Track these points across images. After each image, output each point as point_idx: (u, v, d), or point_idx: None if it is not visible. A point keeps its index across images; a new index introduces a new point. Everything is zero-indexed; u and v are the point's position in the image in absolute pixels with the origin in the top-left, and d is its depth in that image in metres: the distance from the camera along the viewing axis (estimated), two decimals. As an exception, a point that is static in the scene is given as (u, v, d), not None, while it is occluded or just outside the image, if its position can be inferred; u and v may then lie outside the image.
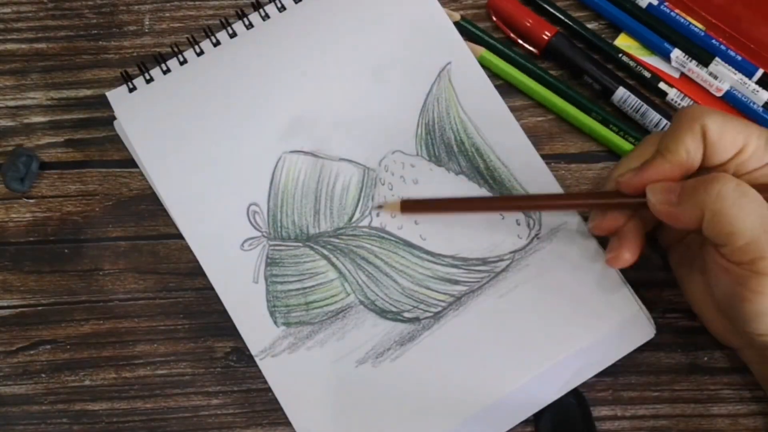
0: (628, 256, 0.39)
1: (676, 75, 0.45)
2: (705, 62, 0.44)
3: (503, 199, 0.43)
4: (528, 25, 0.45)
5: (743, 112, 0.44)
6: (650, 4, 0.45)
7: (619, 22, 0.45)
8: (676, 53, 0.44)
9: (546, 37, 0.45)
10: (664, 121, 0.44)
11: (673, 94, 0.44)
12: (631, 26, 0.45)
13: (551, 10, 0.46)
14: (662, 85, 0.44)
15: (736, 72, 0.44)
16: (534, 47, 0.45)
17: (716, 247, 0.35)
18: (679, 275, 0.41)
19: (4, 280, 0.44)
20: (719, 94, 0.44)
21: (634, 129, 0.44)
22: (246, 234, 0.43)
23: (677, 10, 0.45)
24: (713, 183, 0.34)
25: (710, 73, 0.44)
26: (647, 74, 0.44)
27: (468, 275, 0.43)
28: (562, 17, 0.45)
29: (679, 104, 0.44)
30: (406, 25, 0.45)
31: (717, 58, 0.44)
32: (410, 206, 0.42)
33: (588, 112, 0.44)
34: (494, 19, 0.46)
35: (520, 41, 0.45)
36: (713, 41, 0.44)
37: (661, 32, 0.45)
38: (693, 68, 0.44)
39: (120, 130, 0.44)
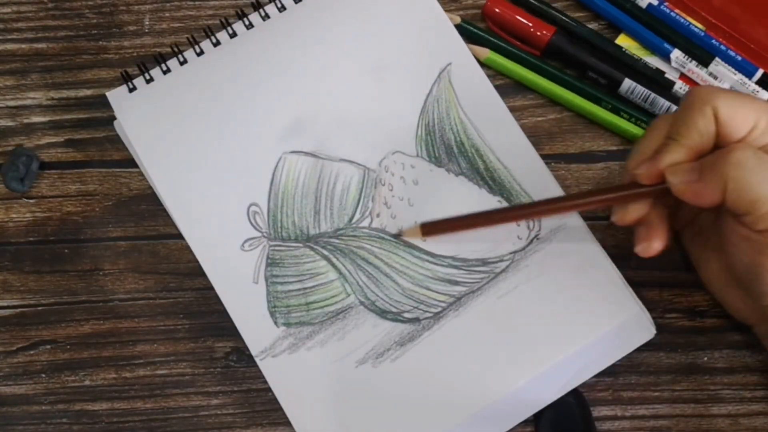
0: (657, 244, 0.38)
1: (676, 75, 0.45)
2: (705, 62, 0.44)
3: (524, 207, 0.42)
4: (526, 26, 0.45)
5: (743, 112, 0.44)
6: (650, 4, 0.45)
7: (619, 22, 0.45)
8: (676, 53, 0.44)
9: (546, 37, 0.45)
10: (675, 108, 0.43)
11: (678, 85, 0.44)
12: (631, 26, 0.45)
13: (550, 11, 0.45)
14: (668, 76, 0.44)
15: (736, 72, 0.44)
16: (534, 48, 0.45)
17: (738, 217, 0.35)
18: (693, 254, 0.41)
19: (4, 280, 0.44)
20: (719, 95, 0.44)
21: (645, 115, 0.44)
22: (246, 234, 0.43)
23: (677, 10, 0.45)
24: (732, 152, 0.34)
25: (710, 74, 0.44)
26: (651, 68, 0.44)
27: (468, 276, 0.43)
28: (562, 18, 0.45)
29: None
30: (406, 26, 0.45)
31: (717, 59, 0.44)
32: (431, 229, 0.42)
33: (597, 103, 0.44)
34: (491, 25, 0.45)
35: (520, 44, 0.45)
36: (713, 41, 0.44)
37: (661, 32, 0.45)
38: (693, 68, 0.44)
39: (120, 130, 0.44)
